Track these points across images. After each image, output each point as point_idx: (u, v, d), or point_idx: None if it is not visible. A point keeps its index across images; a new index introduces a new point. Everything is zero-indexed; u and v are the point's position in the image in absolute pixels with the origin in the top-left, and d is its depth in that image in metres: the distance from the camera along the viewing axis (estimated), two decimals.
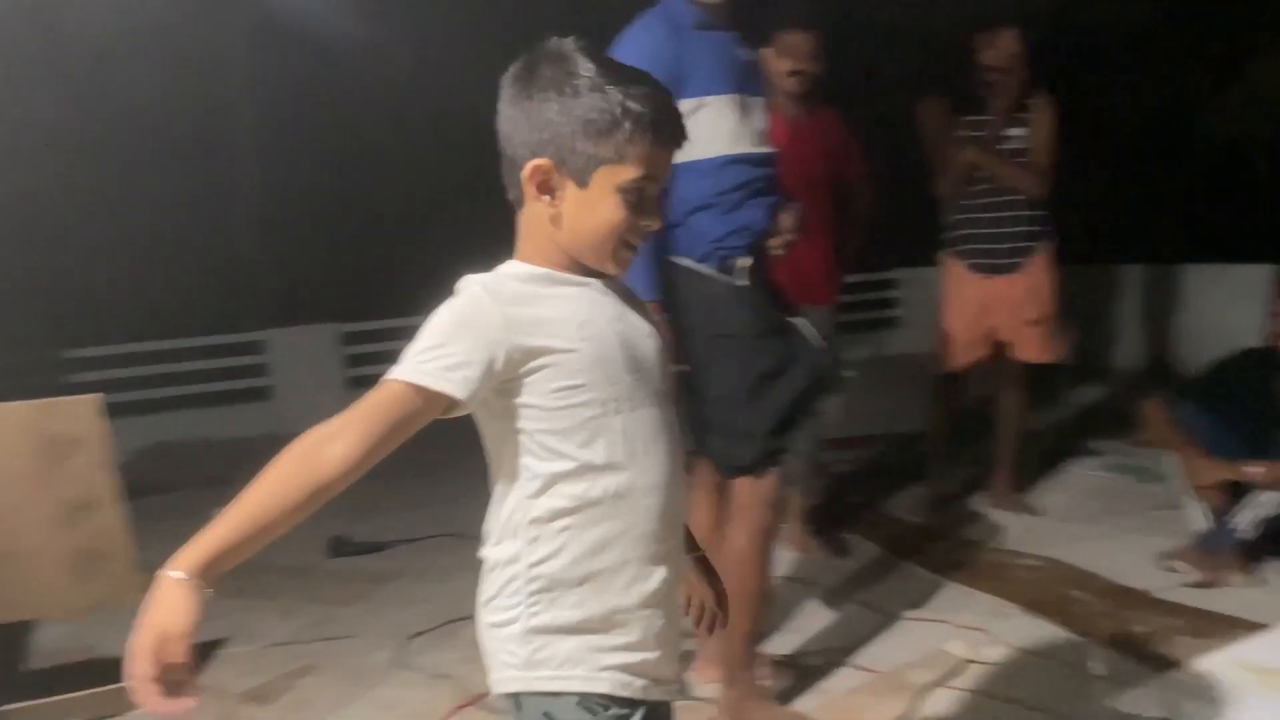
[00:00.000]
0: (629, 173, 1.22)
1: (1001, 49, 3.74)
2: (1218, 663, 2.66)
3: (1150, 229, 7.78)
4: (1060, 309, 3.97)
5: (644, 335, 1.32)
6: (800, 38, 3.41)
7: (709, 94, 2.29)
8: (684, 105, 2.26)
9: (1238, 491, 3.29)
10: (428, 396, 1.16)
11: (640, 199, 1.24)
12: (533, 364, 1.21)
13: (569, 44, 1.25)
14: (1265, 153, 7.72)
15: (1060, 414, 5.66)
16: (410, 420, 1.17)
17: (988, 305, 3.94)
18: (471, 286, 1.23)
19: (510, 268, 1.28)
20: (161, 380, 6.73)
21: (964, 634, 2.97)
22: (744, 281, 2.33)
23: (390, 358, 1.23)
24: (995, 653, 2.85)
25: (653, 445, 1.28)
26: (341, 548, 4.19)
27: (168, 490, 4.87)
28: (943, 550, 3.74)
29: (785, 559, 3.75)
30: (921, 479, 4.34)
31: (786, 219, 2.41)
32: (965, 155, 3.83)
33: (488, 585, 1.30)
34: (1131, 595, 3.22)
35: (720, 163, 2.32)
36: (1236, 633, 2.86)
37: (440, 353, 1.17)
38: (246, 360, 6.98)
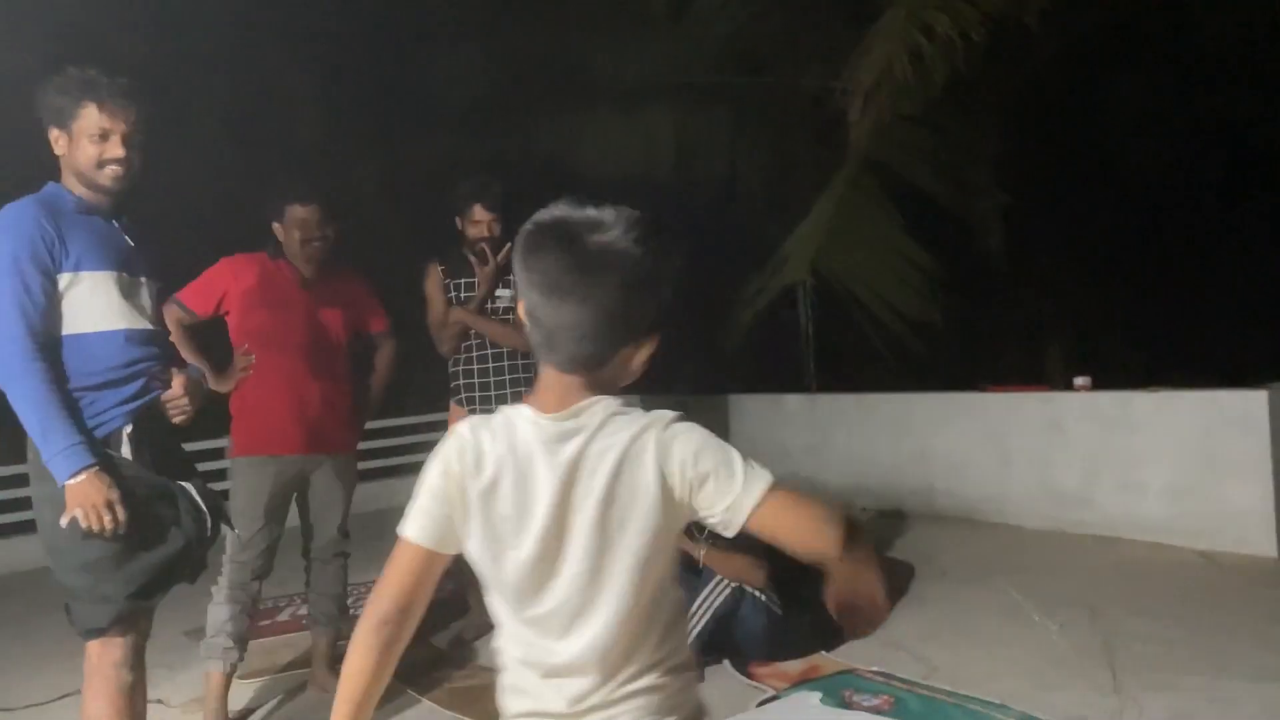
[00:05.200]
0: None
1: (480, 223, 4.24)
2: None
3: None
4: None
5: None
6: (306, 211, 3.71)
7: (83, 269, 2.49)
8: (62, 279, 2.47)
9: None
10: None
11: None
12: None
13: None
14: None
15: None
16: None
17: None
18: None
19: None
20: None
21: None
22: (125, 453, 2.49)
23: None
24: None
25: None
26: None
27: None
28: (458, 679, 3.99)
29: (308, 701, 3.87)
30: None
31: (178, 387, 2.62)
32: (455, 315, 4.27)
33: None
34: None
35: (101, 337, 2.50)
36: None
37: None
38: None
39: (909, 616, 4.34)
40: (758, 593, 3.65)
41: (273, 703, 3.91)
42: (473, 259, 4.26)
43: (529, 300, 1.35)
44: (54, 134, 2.59)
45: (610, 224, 1.32)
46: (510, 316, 4.31)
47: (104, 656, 2.47)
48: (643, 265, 1.32)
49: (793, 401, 7.36)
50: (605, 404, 1.36)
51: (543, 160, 9.93)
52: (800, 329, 7.85)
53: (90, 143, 2.55)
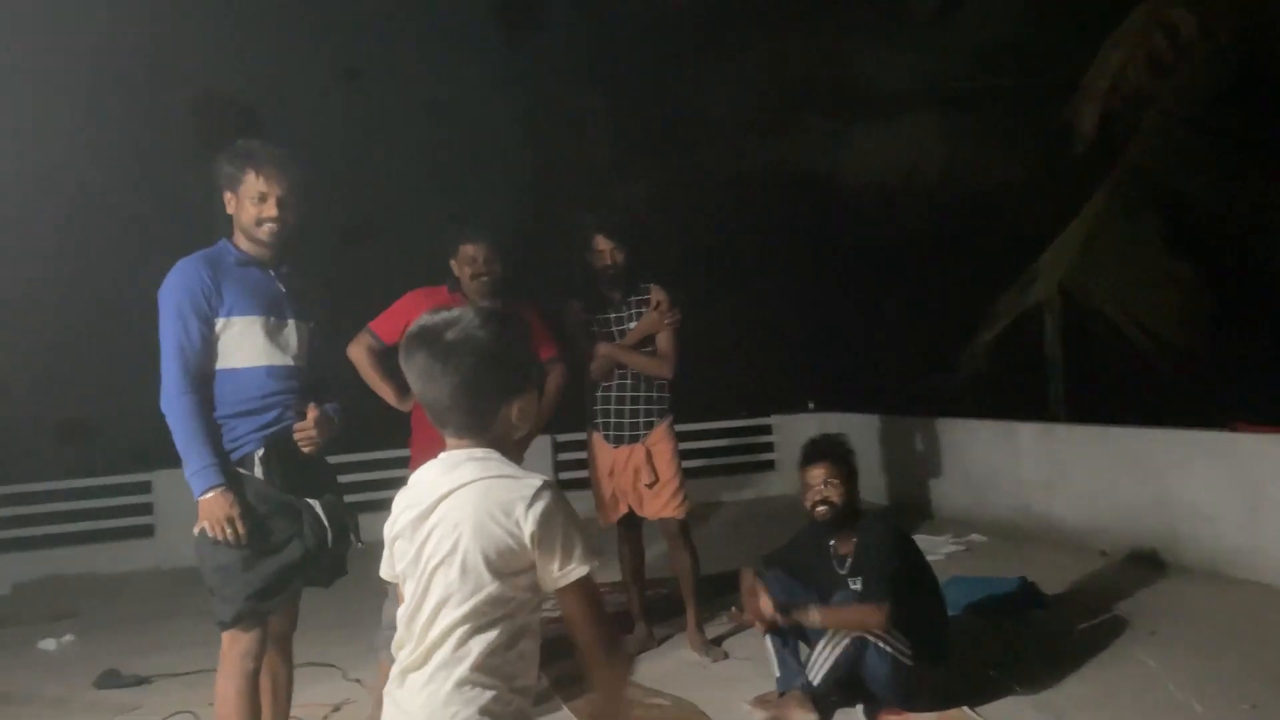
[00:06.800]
0: None
1: (602, 253, 4.44)
2: None
3: None
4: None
5: None
6: (475, 249, 4.07)
7: (235, 314, 2.94)
8: (217, 323, 2.93)
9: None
10: None
11: None
12: None
13: None
14: None
15: None
16: None
17: (612, 470, 4.55)
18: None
19: None
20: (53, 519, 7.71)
21: None
22: (258, 472, 2.91)
23: None
24: None
25: None
26: (108, 681, 4.73)
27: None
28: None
29: None
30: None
31: (310, 419, 3.01)
32: (603, 351, 4.50)
33: None
34: None
35: (245, 372, 2.94)
36: None
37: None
38: (133, 499, 7.84)
39: (1083, 679, 4.00)
40: (880, 641, 3.54)
41: None
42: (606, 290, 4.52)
43: (416, 392, 1.73)
44: (226, 196, 3.06)
45: (462, 320, 1.71)
46: (650, 347, 4.49)
47: (233, 646, 2.90)
48: (490, 344, 1.69)
49: (1028, 430, 6.91)
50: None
51: (804, 170, 9.93)
52: (1044, 353, 7.34)
53: (251, 204, 3.00)
